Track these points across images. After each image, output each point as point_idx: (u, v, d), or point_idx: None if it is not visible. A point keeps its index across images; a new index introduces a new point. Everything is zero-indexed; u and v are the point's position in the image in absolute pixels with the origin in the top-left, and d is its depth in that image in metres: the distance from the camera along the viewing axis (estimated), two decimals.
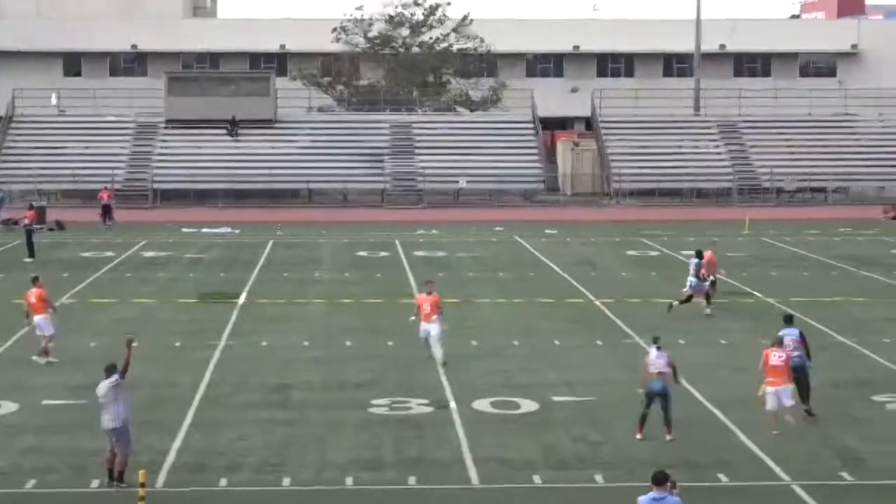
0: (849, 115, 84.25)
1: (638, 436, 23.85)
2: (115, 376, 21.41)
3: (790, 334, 25.81)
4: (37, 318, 30.99)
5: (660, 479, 16.34)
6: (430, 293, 30.85)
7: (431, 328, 30.49)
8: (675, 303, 37.69)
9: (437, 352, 30.29)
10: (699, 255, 38.75)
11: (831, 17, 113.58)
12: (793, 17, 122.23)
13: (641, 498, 16.41)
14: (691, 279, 38.21)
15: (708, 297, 37.83)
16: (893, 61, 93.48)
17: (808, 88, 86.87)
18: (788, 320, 26.79)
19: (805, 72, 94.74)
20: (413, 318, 31.35)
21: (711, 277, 38.42)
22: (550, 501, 19.61)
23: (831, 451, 23.33)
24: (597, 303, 39.73)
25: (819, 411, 25.56)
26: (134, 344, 22.69)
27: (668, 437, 23.73)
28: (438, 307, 30.66)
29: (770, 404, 24.38)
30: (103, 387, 21.41)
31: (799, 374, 25.22)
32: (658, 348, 24.20)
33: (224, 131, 79.47)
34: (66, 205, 72.84)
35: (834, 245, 55.86)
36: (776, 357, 24.57)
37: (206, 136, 79.76)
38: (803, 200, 77.95)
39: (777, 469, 22.26)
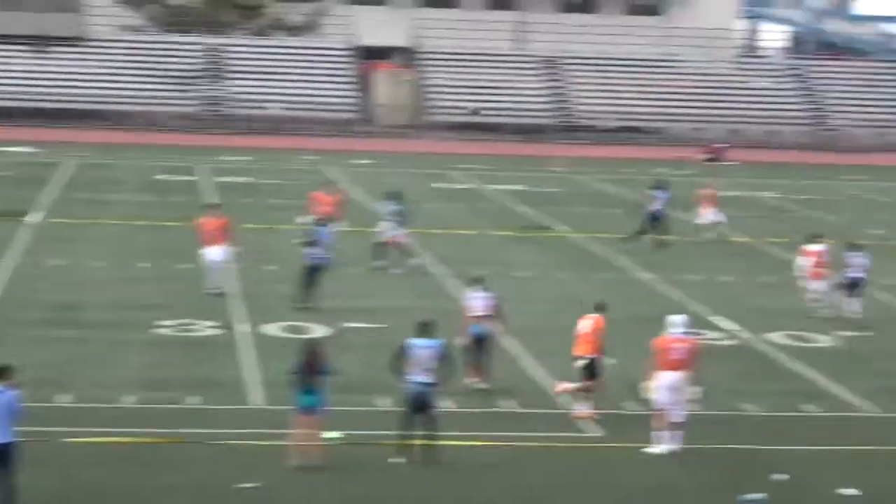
0: (670, 55, 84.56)
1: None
2: None
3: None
4: None
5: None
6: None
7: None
8: None
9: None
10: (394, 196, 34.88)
11: None
12: None
13: None
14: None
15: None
16: (720, 1, 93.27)
17: (632, 26, 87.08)
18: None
19: (631, 9, 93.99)
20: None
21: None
22: (334, 423, 19.32)
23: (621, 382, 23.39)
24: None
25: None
26: None
27: (474, 381, 22.62)
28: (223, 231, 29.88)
29: None
30: None
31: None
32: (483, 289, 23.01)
33: (27, 47, 76.80)
34: None
35: (648, 184, 56.39)
36: None
37: (9, 51, 76.95)
38: (620, 140, 77.77)
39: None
